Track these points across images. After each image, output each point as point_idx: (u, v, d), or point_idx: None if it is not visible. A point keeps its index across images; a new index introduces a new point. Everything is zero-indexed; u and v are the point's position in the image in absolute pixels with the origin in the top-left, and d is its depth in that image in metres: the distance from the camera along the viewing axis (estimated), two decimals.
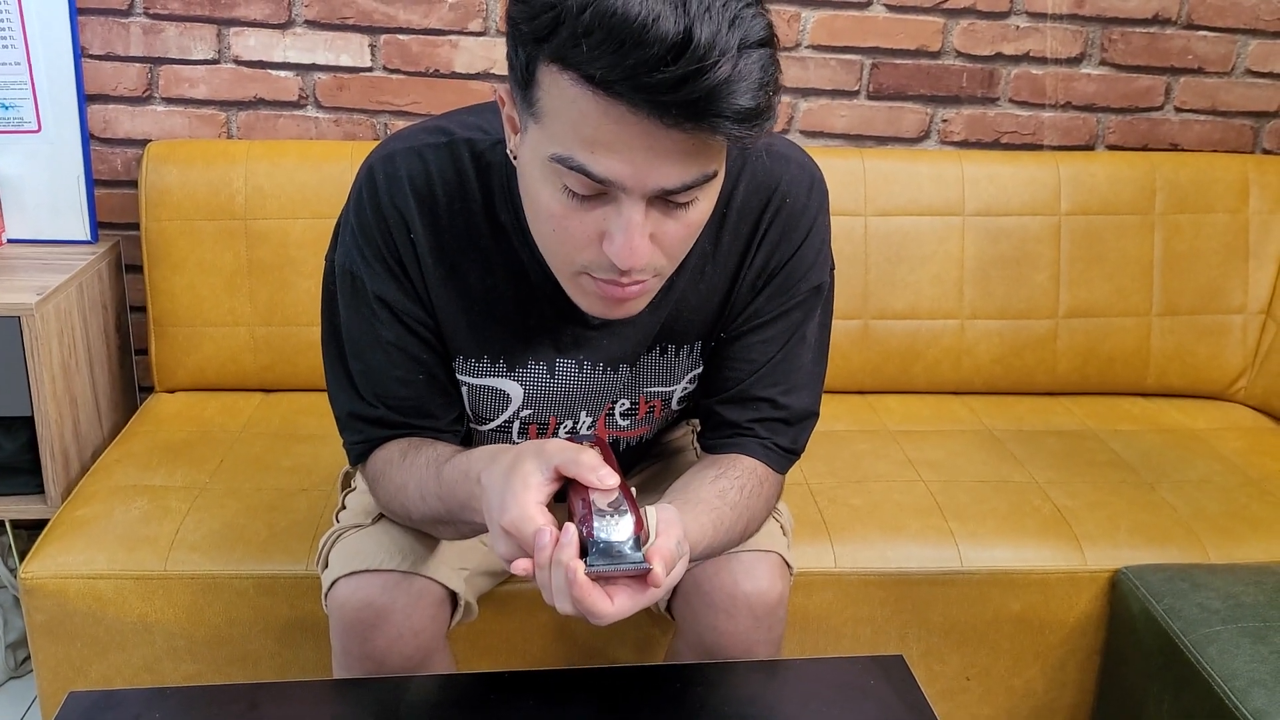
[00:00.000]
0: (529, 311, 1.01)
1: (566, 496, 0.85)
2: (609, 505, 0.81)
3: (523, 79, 0.80)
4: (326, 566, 1.10)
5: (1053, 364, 1.88)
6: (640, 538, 0.81)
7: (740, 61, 0.73)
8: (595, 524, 0.80)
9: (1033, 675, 1.49)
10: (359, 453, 1.06)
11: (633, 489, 0.87)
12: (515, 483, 0.82)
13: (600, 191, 0.80)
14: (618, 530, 0.80)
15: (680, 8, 0.71)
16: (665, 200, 0.81)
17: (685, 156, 0.78)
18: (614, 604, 0.80)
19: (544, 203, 0.84)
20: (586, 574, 0.78)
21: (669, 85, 0.72)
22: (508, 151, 0.90)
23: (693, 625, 1.11)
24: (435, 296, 1.00)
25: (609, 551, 0.80)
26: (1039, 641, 1.47)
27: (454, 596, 1.11)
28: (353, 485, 1.22)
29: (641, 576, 0.80)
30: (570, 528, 0.80)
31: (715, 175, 0.83)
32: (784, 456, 1.08)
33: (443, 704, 1.00)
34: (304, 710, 0.98)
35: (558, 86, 0.76)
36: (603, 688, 1.01)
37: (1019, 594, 1.44)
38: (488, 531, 0.87)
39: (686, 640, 1.13)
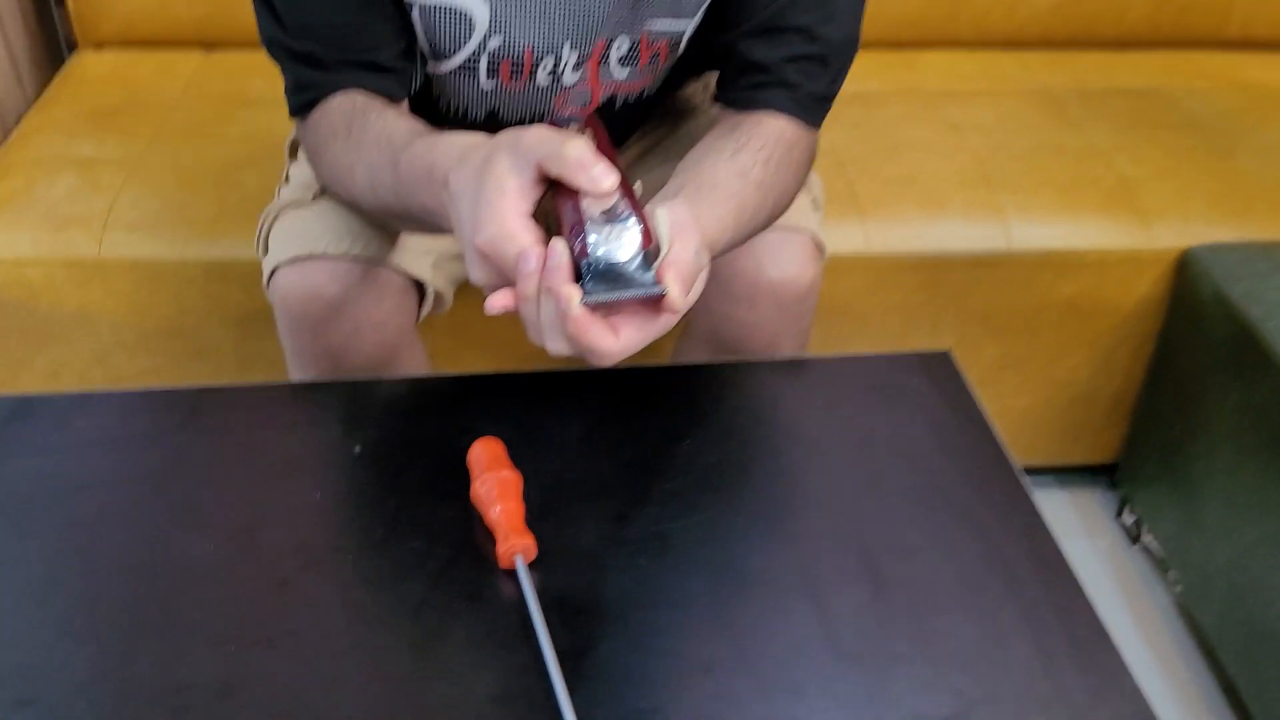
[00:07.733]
0: None
1: (550, 204, 0.66)
2: (606, 213, 0.63)
3: None
4: (267, 251, 0.93)
5: (1120, 10, 1.66)
6: (649, 252, 0.63)
7: None
8: (590, 239, 0.62)
9: (1076, 364, 1.38)
10: (296, 105, 0.86)
11: (636, 186, 0.66)
12: (489, 189, 0.63)
13: None
14: (620, 245, 0.62)
15: None
16: None
17: None
18: (619, 339, 0.63)
19: None
20: (584, 304, 0.61)
21: None
22: None
23: (706, 317, 0.96)
24: None
25: (610, 274, 0.62)
26: (1087, 329, 1.36)
27: (420, 284, 0.95)
28: (298, 155, 1.03)
29: (654, 301, 0.63)
30: (559, 245, 0.62)
31: None
32: (818, 104, 0.88)
33: (415, 409, 0.86)
34: (252, 417, 0.84)
35: None
36: (602, 389, 0.88)
37: (1073, 277, 1.31)
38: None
39: (699, 334, 0.98)
